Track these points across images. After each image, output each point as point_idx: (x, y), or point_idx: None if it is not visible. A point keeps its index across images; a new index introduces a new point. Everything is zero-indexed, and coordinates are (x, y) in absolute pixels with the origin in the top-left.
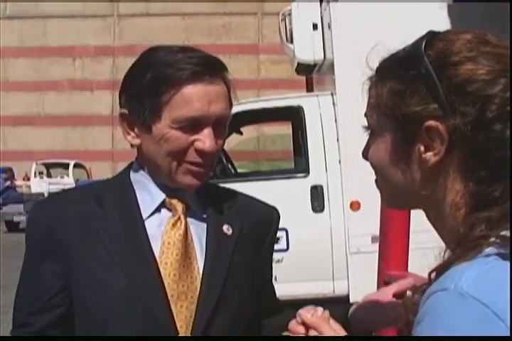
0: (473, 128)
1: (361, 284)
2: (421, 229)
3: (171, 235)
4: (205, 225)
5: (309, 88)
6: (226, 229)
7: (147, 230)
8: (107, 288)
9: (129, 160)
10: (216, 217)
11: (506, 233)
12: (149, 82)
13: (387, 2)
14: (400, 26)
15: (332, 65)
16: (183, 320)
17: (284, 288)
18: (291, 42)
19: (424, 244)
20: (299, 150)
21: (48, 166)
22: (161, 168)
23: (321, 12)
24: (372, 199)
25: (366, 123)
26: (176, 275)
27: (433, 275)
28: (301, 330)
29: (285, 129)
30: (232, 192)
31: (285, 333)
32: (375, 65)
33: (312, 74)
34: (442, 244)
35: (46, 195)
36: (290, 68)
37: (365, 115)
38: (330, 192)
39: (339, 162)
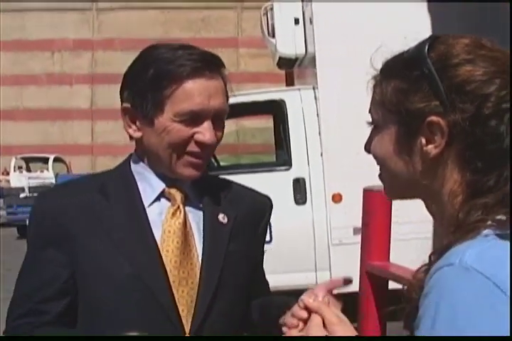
0: (471, 123)
1: (343, 275)
2: (402, 220)
3: (171, 224)
4: (202, 214)
5: (288, 82)
6: (222, 218)
7: (149, 219)
8: (112, 275)
9: (109, 154)
10: (212, 207)
11: (502, 217)
12: (152, 78)
13: None
14: (380, 21)
15: (313, 60)
16: (184, 304)
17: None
18: (273, 36)
19: (406, 235)
20: (280, 144)
21: (28, 160)
22: (161, 159)
23: (302, 7)
24: (353, 192)
25: (370, 119)
26: (177, 262)
27: (433, 256)
28: (304, 314)
29: (264, 123)
30: (227, 182)
31: (287, 318)
32: (378, 65)
33: (293, 69)
34: (422, 235)
35: (26, 189)
36: (269, 62)
37: (370, 111)
38: (312, 185)
39: (321, 155)
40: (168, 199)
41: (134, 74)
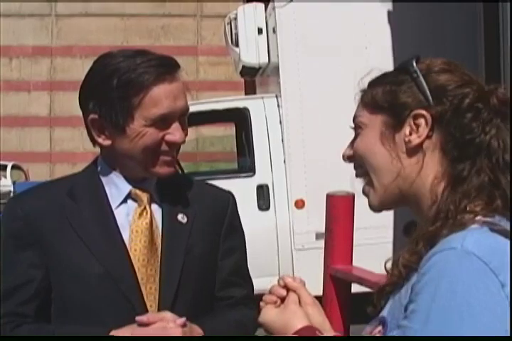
0: (452, 114)
1: (306, 279)
2: (362, 226)
3: (138, 224)
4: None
5: (248, 90)
6: (181, 217)
7: (116, 220)
8: (83, 275)
9: (67, 162)
10: (172, 207)
11: (483, 207)
12: (117, 88)
13: (331, 2)
14: (341, 32)
15: (276, 68)
16: (152, 300)
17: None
18: (237, 45)
19: (368, 240)
20: (242, 151)
21: None
22: (136, 162)
23: (266, 17)
24: (316, 198)
25: (353, 125)
26: (144, 260)
27: (420, 242)
28: (283, 292)
29: (223, 131)
30: (190, 181)
31: (266, 295)
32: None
33: (255, 77)
34: (383, 240)
35: None
36: (228, 70)
37: (354, 118)
38: (275, 191)
39: (284, 162)
40: (135, 201)
41: (96, 85)
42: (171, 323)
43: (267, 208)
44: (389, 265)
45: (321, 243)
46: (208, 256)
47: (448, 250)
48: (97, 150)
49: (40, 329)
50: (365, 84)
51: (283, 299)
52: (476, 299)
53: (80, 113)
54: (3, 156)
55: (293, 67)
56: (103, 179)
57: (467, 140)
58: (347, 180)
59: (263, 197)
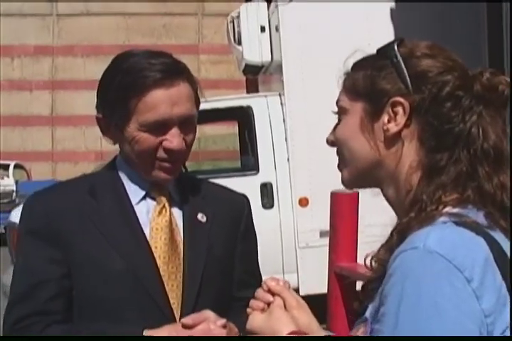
0: (430, 103)
1: (309, 277)
2: (366, 223)
3: (158, 221)
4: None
5: (250, 89)
6: (200, 217)
7: (137, 216)
8: (106, 270)
9: (69, 161)
10: (191, 206)
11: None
12: (117, 89)
13: (334, 2)
14: (344, 29)
15: (279, 67)
16: (174, 297)
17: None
18: (239, 44)
19: (370, 237)
20: (246, 149)
21: None
22: (136, 164)
23: (268, 15)
24: (320, 196)
25: (336, 110)
26: (165, 257)
27: (395, 236)
28: (270, 298)
29: (226, 129)
30: (207, 183)
31: (252, 300)
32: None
33: (258, 75)
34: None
35: None
36: (230, 69)
37: (337, 102)
38: (279, 189)
39: (288, 160)
40: (153, 199)
41: (104, 84)
42: (213, 324)
43: (271, 206)
44: (368, 261)
45: (325, 241)
46: (226, 257)
47: (411, 250)
48: (99, 149)
49: (71, 328)
50: (348, 67)
51: (270, 304)
52: (441, 298)
53: (81, 112)
54: (5, 156)
55: (296, 65)
56: (122, 176)
57: (446, 129)
58: None
59: (267, 196)
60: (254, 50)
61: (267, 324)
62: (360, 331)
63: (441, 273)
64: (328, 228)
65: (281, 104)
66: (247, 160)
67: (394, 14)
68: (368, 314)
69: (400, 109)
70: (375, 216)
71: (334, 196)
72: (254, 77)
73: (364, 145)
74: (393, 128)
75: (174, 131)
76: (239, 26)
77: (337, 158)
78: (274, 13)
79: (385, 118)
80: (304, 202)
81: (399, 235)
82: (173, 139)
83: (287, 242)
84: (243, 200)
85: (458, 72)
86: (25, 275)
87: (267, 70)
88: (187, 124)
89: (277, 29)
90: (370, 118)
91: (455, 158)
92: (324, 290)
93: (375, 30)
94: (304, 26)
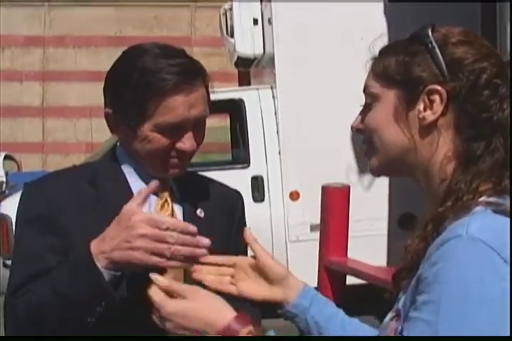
0: (467, 91)
1: (299, 271)
2: (357, 218)
3: (160, 215)
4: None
5: (242, 81)
6: (199, 212)
7: None
8: None
9: (60, 152)
10: (191, 201)
11: (492, 187)
12: (134, 89)
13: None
14: (337, 22)
15: (271, 59)
16: None
17: None
18: (232, 36)
19: (363, 231)
20: (237, 142)
21: None
22: (144, 161)
23: (261, 7)
24: (311, 190)
25: (363, 100)
26: None
27: (429, 225)
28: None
29: (217, 122)
30: (202, 178)
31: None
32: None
33: (250, 68)
34: (378, 232)
35: None
36: (222, 61)
37: (365, 88)
38: (270, 183)
39: (279, 153)
40: (155, 194)
41: (117, 79)
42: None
43: (262, 200)
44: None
45: (316, 235)
46: (224, 252)
47: (454, 238)
48: (90, 140)
49: (50, 278)
50: (375, 52)
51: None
52: (487, 285)
53: (72, 103)
54: None
55: (288, 58)
56: (123, 167)
57: (484, 118)
58: (342, 172)
59: (257, 189)
60: (247, 43)
61: (192, 310)
62: (392, 323)
63: (484, 259)
64: (318, 222)
65: (273, 97)
66: (238, 153)
67: (387, 9)
68: (400, 305)
69: (436, 97)
70: (365, 210)
71: (325, 190)
72: (247, 69)
73: (398, 133)
74: (430, 116)
75: (188, 133)
76: (231, 19)
77: (364, 146)
78: (266, 5)
79: (421, 106)
80: (294, 196)
81: (434, 224)
82: (187, 141)
83: (278, 236)
84: (237, 196)
85: (494, 60)
86: (24, 264)
87: (259, 63)
88: (199, 126)
89: (270, 22)
90: (405, 106)
91: (492, 147)
92: (314, 284)
93: (369, 22)
94: (296, 19)
